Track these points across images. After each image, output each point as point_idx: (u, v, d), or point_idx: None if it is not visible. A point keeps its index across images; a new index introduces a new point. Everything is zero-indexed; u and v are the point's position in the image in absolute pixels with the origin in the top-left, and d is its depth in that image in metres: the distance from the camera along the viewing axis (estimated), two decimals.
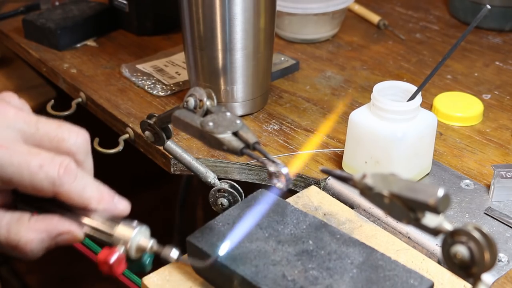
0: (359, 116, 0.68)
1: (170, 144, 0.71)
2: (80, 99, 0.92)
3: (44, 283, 1.48)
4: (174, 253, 0.51)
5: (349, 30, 1.10)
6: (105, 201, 0.51)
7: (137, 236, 0.51)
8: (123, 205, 0.52)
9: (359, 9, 1.14)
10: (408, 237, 0.63)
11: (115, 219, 0.51)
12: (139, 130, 0.77)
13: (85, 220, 0.51)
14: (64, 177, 0.49)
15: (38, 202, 0.52)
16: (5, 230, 0.50)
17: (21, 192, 0.51)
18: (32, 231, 0.50)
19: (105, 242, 0.51)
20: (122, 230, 0.50)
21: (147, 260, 0.53)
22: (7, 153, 0.48)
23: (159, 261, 0.54)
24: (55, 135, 0.51)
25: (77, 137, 0.52)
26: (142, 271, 0.54)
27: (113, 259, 0.49)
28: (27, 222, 0.51)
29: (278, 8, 0.92)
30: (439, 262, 0.60)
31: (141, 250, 0.51)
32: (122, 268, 0.50)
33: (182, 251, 0.52)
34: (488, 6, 0.63)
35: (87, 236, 0.52)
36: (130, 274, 0.60)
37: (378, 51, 1.03)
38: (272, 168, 0.50)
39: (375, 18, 1.11)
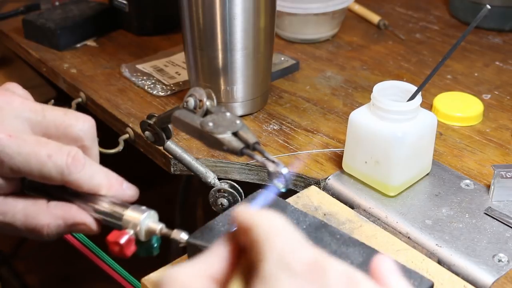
0: (359, 116, 0.68)
1: (170, 144, 0.71)
2: (80, 99, 0.92)
3: (44, 283, 1.48)
4: (183, 235, 0.51)
5: (349, 30, 1.10)
6: (114, 188, 0.53)
7: (147, 219, 0.51)
8: (132, 191, 0.54)
9: (359, 9, 1.14)
10: (408, 237, 0.63)
11: (124, 204, 0.52)
12: (139, 130, 0.77)
13: (94, 205, 0.52)
14: (72, 166, 0.50)
15: (46, 189, 0.52)
16: (22, 214, 0.52)
17: (29, 180, 0.52)
18: (50, 216, 0.52)
19: (115, 225, 0.52)
20: (132, 214, 0.51)
21: (155, 243, 0.53)
22: (16, 143, 0.49)
23: (160, 260, 0.54)
24: (62, 122, 0.52)
25: (84, 123, 0.53)
26: (150, 255, 0.55)
27: (123, 239, 0.50)
28: (46, 207, 0.52)
29: (278, 8, 0.92)
30: (439, 262, 0.60)
31: (150, 233, 0.52)
32: (131, 249, 0.51)
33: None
34: (488, 6, 0.63)
35: (97, 221, 0.52)
36: (129, 276, 0.61)
37: (378, 51, 1.03)
38: (272, 168, 0.50)
39: (375, 18, 1.11)
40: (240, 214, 0.40)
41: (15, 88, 0.54)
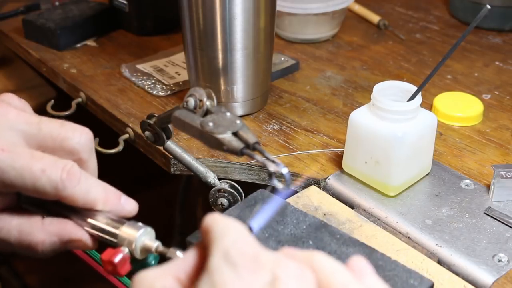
0: (359, 116, 0.68)
1: (170, 144, 0.71)
2: (80, 99, 0.92)
3: (44, 283, 1.48)
4: (179, 254, 0.50)
5: (349, 30, 1.10)
6: (111, 202, 0.51)
7: (142, 237, 0.50)
8: (130, 205, 0.52)
9: (359, 9, 1.14)
10: (408, 237, 0.63)
11: (121, 220, 0.51)
12: (139, 130, 0.77)
13: (90, 220, 0.51)
14: (67, 181, 0.49)
15: (42, 203, 0.52)
16: (16, 230, 0.51)
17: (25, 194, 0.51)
18: (44, 232, 0.51)
19: (110, 242, 0.51)
20: (127, 231, 0.50)
21: (152, 261, 0.52)
22: (9, 156, 0.48)
23: (160, 263, 0.54)
24: (58, 134, 0.51)
25: (80, 136, 0.52)
26: None
27: (117, 258, 0.49)
28: (40, 223, 0.51)
29: (278, 8, 0.92)
30: (439, 262, 0.60)
31: (146, 251, 0.50)
32: (126, 268, 0.50)
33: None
34: (488, 6, 0.63)
35: (93, 237, 0.51)
36: (127, 280, 0.60)
37: (378, 51, 1.03)
38: (272, 168, 0.50)
39: (375, 18, 1.11)
40: (204, 220, 0.43)
41: (11, 99, 0.53)
